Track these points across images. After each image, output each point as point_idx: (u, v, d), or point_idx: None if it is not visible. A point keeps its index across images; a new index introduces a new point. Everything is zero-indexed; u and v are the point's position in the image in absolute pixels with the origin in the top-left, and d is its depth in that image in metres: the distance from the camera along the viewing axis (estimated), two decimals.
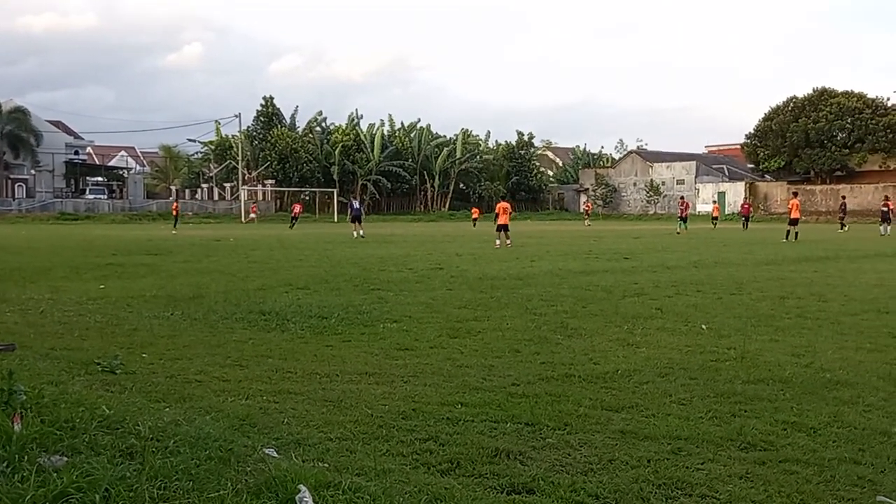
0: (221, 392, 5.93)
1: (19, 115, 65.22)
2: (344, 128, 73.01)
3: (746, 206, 48.33)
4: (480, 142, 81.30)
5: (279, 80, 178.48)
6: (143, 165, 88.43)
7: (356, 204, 36.18)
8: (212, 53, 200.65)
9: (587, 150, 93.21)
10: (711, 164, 76.69)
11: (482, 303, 11.25)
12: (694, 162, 74.77)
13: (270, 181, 69.44)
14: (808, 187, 64.49)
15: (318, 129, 74.21)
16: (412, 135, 76.41)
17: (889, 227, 34.87)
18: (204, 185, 73.83)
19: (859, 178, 65.40)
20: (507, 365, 7.06)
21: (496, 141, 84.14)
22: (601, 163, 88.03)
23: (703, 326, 9.12)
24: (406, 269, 16.72)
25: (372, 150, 72.19)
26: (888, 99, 65.53)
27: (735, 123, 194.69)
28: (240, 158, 67.02)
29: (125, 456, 3.83)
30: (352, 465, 4.19)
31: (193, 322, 9.51)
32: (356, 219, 33.62)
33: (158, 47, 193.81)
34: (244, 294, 12.11)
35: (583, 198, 76.22)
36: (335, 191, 67.01)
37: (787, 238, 28.89)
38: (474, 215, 53.62)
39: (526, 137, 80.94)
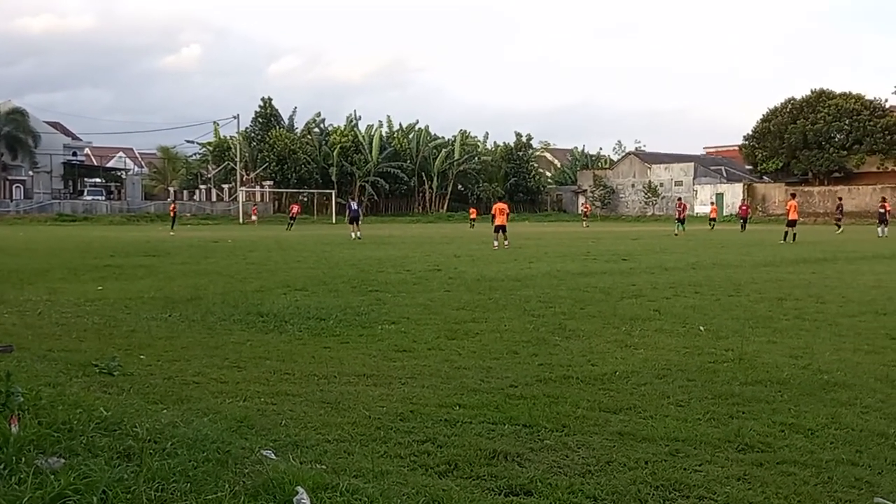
0: (219, 394, 5.93)
1: (17, 117, 65.16)
2: (342, 129, 73.06)
3: (744, 207, 48.35)
4: (479, 143, 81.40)
5: (277, 82, 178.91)
6: (141, 167, 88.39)
7: (354, 205, 36.18)
8: (210, 55, 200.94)
9: (585, 151, 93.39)
10: (709, 165, 76.77)
11: (480, 304, 11.25)
12: (692, 163, 74.85)
13: (269, 182, 69.44)
14: (806, 189, 64.59)
15: (316, 130, 74.28)
16: (410, 136, 76.48)
17: (887, 229, 34.89)
18: (202, 187, 73.76)
19: (857, 179, 65.49)
20: (505, 366, 7.06)
21: (494, 142, 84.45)
22: (599, 164, 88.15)
23: (701, 328, 9.12)
24: (404, 270, 16.72)
25: (370, 152, 72.23)
26: (886, 100, 65.81)
27: (733, 125, 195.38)
28: (238, 159, 67.03)
29: (123, 458, 3.82)
30: (350, 467, 4.19)
31: (191, 324, 9.50)
32: (354, 220, 33.66)
33: (157, 49, 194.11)
34: (242, 296, 12.11)
35: (581, 199, 76.27)
36: (333, 192, 67.01)
37: (785, 239, 28.91)
38: (472, 215, 53.72)
39: (524, 139, 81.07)
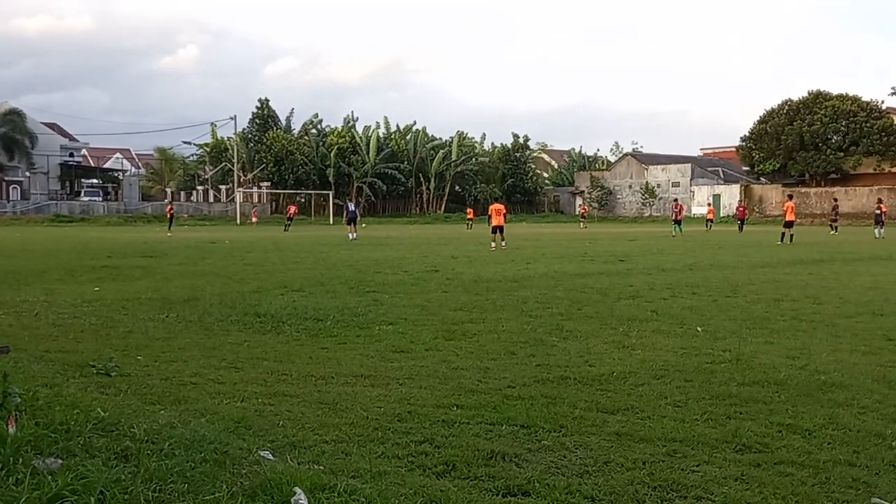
0: (217, 394, 5.92)
1: (14, 118, 65.09)
2: (339, 130, 73.05)
3: (741, 208, 48.45)
4: (476, 144, 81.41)
5: (275, 83, 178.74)
6: (139, 167, 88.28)
7: (352, 206, 36.16)
8: (208, 56, 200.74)
9: (583, 152, 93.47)
10: (707, 166, 76.88)
11: (478, 305, 11.26)
12: (689, 164, 74.95)
13: (266, 183, 69.41)
14: (803, 190, 64.71)
15: (313, 131, 74.26)
16: (408, 137, 76.47)
17: (883, 230, 34.97)
18: (199, 188, 73.76)
19: (854, 180, 65.63)
20: (503, 367, 7.07)
21: (492, 143, 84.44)
22: (597, 165, 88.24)
23: (699, 329, 9.14)
24: (401, 271, 16.72)
25: (367, 153, 72.22)
26: (883, 102, 65.94)
27: (731, 126, 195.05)
28: (235, 161, 67.01)
29: (120, 458, 3.82)
30: (347, 468, 4.19)
31: (189, 324, 9.50)
32: (351, 221, 33.66)
33: (154, 50, 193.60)
34: (240, 296, 12.10)
35: (578, 200, 76.37)
36: (331, 193, 67.01)
37: (781, 240, 28.96)
38: (469, 216, 53.75)
39: (521, 140, 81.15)
